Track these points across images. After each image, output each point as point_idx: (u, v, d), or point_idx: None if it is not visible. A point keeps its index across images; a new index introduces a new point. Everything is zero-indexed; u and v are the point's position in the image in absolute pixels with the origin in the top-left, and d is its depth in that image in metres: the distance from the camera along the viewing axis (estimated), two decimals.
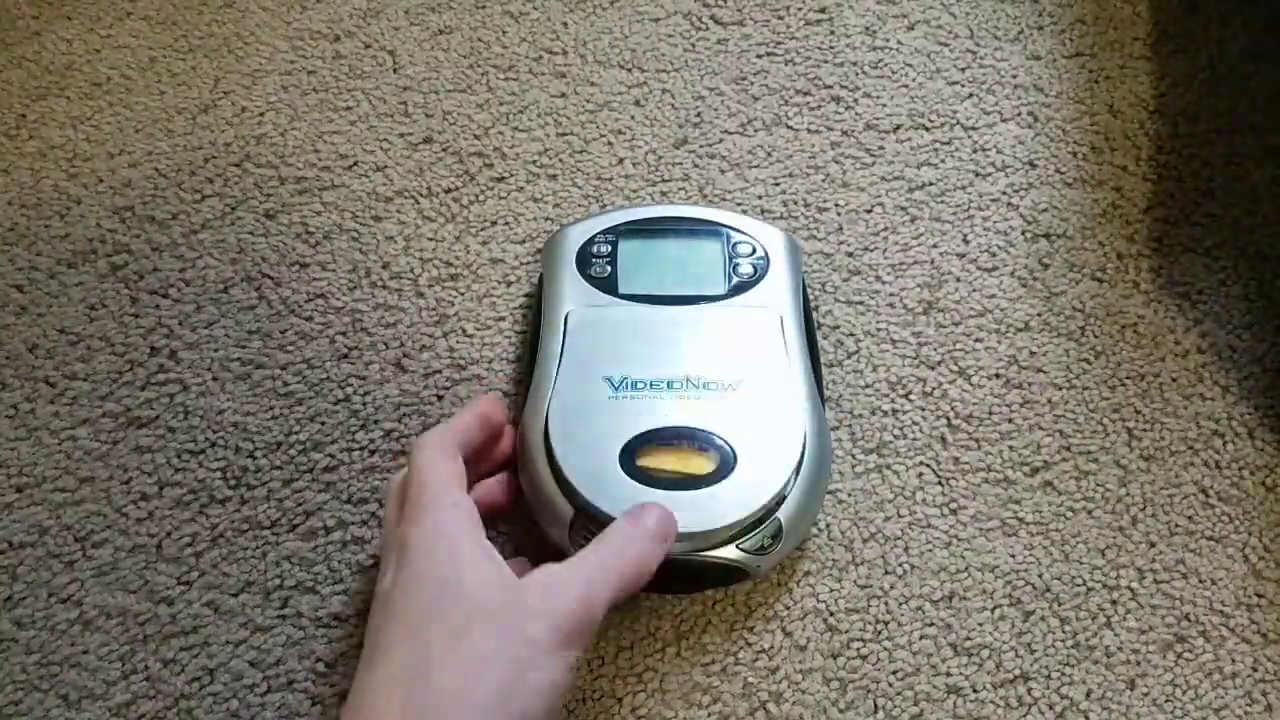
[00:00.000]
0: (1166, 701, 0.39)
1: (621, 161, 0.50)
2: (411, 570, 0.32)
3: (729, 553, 0.36)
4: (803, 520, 0.38)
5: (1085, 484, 0.43)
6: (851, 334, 0.45)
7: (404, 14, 0.53)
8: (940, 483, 0.43)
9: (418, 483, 0.34)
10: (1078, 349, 0.45)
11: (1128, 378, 0.45)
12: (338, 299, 0.46)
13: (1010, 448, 0.43)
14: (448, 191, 0.49)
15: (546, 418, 0.38)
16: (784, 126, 0.50)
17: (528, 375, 0.41)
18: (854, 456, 0.43)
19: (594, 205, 0.49)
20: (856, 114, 0.51)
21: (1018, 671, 0.39)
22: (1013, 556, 0.41)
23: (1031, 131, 0.50)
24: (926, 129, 0.50)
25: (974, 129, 0.50)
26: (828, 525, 0.42)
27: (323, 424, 0.43)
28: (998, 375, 0.45)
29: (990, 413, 0.44)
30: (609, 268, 0.42)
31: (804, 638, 0.40)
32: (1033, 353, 0.45)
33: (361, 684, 0.31)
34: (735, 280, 0.42)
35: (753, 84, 0.52)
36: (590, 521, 0.36)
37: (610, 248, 0.43)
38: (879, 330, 0.46)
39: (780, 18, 0.53)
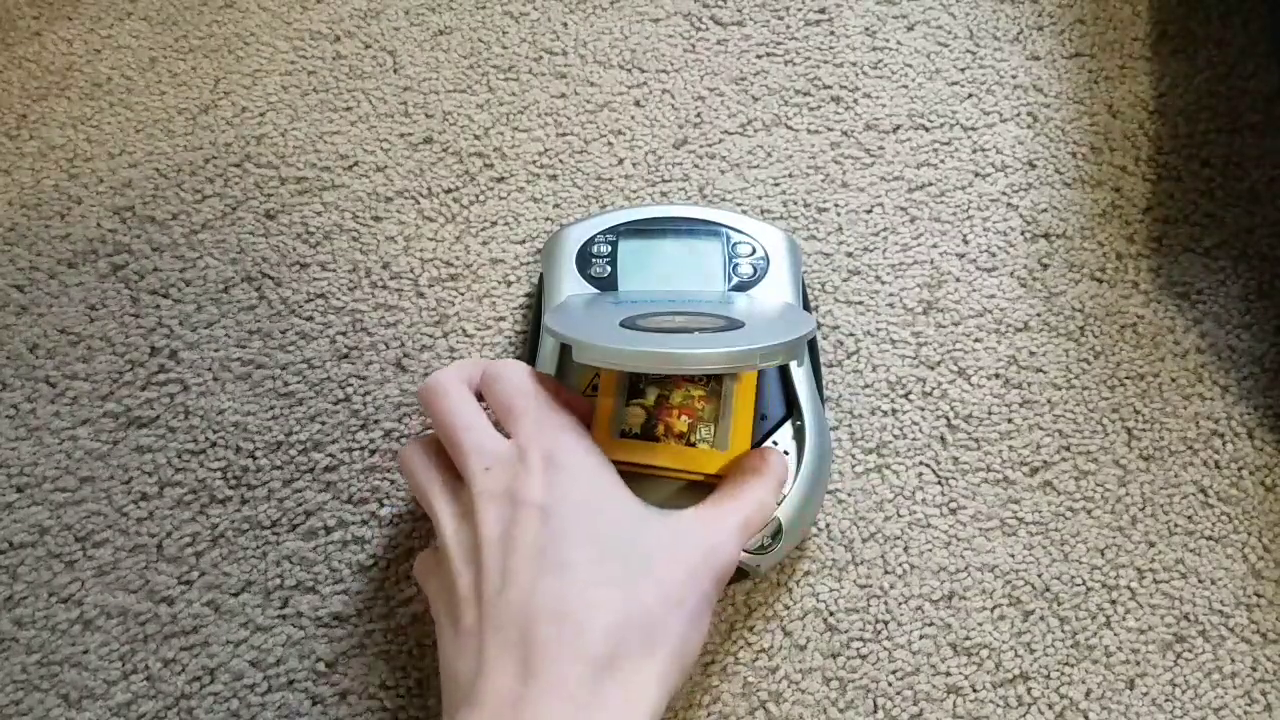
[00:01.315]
0: (1166, 701, 0.39)
1: (621, 162, 0.50)
2: (590, 485, 0.32)
3: None
4: (803, 520, 0.38)
5: (1085, 484, 0.43)
6: (851, 334, 0.45)
7: (404, 14, 0.53)
8: (940, 482, 0.43)
9: (541, 400, 0.34)
10: (1077, 349, 0.45)
11: (1127, 378, 0.45)
12: (338, 299, 0.46)
13: (1010, 448, 0.43)
14: (448, 192, 0.49)
15: None
16: (784, 127, 0.50)
17: None
18: (854, 456, 0.43)
19: (594, 205, 0.49)
20: (856, 114, 0.51)
21: (1017, 671, 0.39)
22: (1012, 556, 0.41)
23: (1031, 132, 0.50)
24: (926, 129, 0.50)
25: (973, 129, 0.50)
26: (828, 525, 0.42)
27: (323, 424, 0.43)
28: (997, 375, 0.45)
29: (990, 413, 0.44)
30: (609, 268, 0.42)
31: (804, 637, 0.40)
32: (1032, 353, 0.45)
33: (572, 575, 0.30)
34: (735, 280, 0.42)
35: (753, 84, 0.52)
36: None
37: (610, 248, 0.43)
38: (879, 330, 0.46)
39: (780, 18, 0.53)
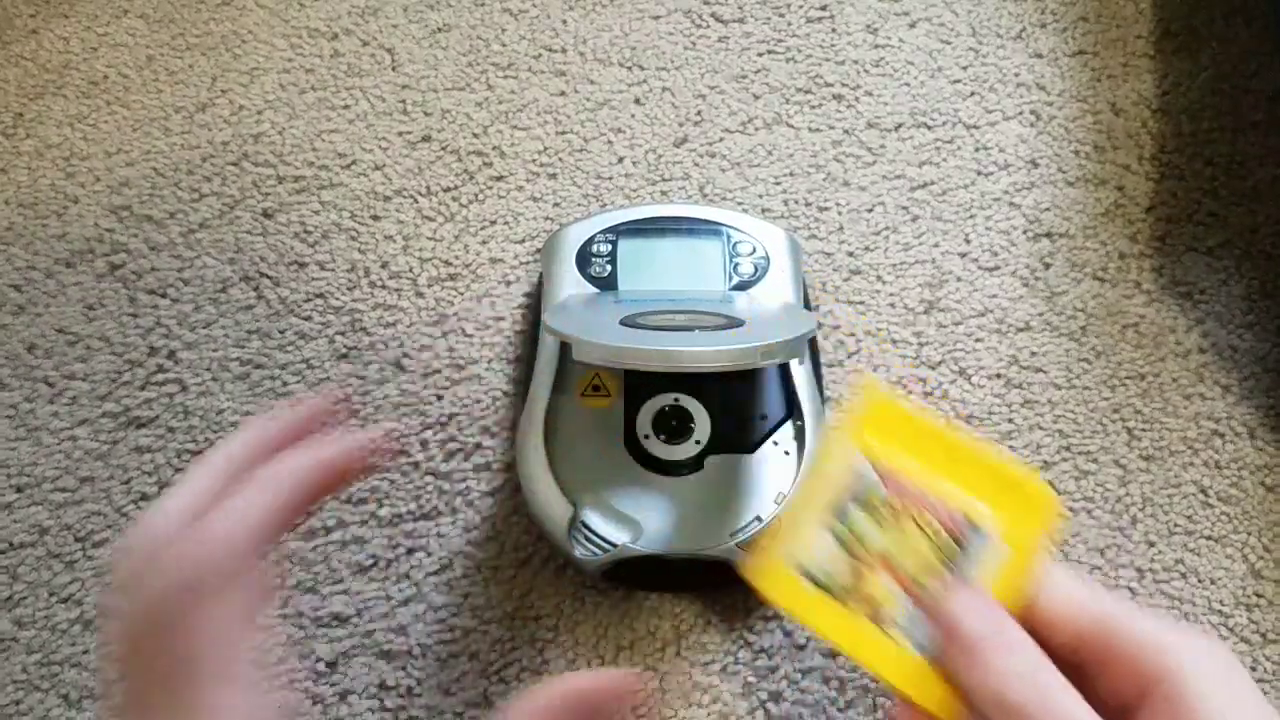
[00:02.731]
0: None
1: (621, 160, 0.49)
2: None
3: (728, 551, 0.36)
4: None
5: (1085, 484, 0.43)
6: (852, 334, 0.45)
7: (402, 11, 0.53)
8: None
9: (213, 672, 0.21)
10: (1079, 349, 0.45)
11: (1128, 377, 0.45)
12: (336, 298, 0.46)
13: (1010, 447, 0.43)
14: (447, 190, 0.49)
15: (546, 416, 0.38)
16: (785, 125, 0.50)
17: (527, 375, 0.41)
18: None
19: (594, 204, 0.48)
20: (858, 112, 0.51)
21: None
22: None
23: (1034, 130, 0.50)
24: (928, 127, 0.50)
25: (976, 128, 0.50)
26: None
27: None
28: (998, 375, 0.45)
29: (991, 412, 0.44)
30: (609, 267, 0.42)
31: (804, 637, 0.40)
32: (1034, 352, 0.45)
33: None
34: (736, 279, 0.42)
35: (753, 82, 0.51)
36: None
37: (610, 247, 0.42)
38: (880, 330, 0.45)
39: (781, 15, 0.53)
